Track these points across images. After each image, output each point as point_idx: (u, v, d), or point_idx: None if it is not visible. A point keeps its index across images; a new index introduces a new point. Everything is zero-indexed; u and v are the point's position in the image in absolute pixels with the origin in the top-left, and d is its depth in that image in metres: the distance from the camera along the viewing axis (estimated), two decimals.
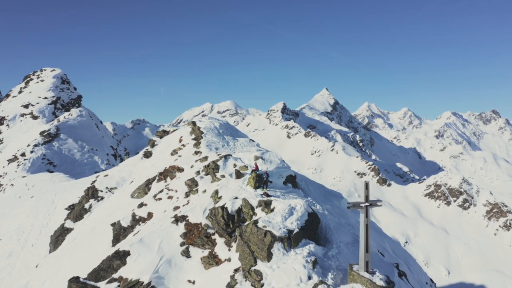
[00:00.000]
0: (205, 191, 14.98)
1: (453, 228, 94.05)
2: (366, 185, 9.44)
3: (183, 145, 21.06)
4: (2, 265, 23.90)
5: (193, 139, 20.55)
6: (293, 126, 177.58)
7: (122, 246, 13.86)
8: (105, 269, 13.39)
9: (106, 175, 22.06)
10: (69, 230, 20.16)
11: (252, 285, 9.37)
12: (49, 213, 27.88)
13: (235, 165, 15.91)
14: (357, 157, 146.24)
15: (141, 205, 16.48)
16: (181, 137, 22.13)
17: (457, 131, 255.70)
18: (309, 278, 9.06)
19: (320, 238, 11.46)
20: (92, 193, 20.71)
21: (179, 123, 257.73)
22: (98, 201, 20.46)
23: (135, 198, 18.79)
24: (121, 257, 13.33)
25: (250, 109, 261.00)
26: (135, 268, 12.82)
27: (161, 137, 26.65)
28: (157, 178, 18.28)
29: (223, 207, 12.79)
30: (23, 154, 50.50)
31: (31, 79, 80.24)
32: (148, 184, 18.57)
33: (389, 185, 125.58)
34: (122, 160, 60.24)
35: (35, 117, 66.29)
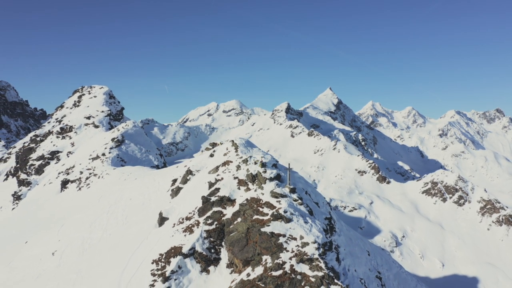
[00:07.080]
0: (243, 169, 47.15)
1: (448, 223, 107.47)
2: (289, 165, 41.31)
3: (229, 151, 53.16)
4: (142, 207, 56.20)
5: (234, 149, 52.60)
6: (297, 126, 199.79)
7: (216, 186, 45.75)
8: (212, 193, 45.01)
9: (193, 164, 54.26)
10: (181, 188, 52.46)
11: (260, 189, 41.25)
12: (155, 185, 60.23)
13: (254, 160, 47.93)
14: (358, 155, 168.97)
15: (218, 174, 48.71)
16: (227, 147, 54.24)
17: (461, 130, 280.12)
18: (274, 188, 40.93)
19: (281, 181, 43.40)
20: (190, 172, 53.02)
21: (185, 122, 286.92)
22: (193, 175, 52.72)
23: (211, 174, 50.92)
24: (217, 189, 45.00)
25: (255, 108, 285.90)
26: (222, 192, 44.52)
27: (212, 146, 58.93)
28: (221, 164, 50.47)
29: (251, 173, 44.68)
30: (103, 154, 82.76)
31: (83, 94, 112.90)
32: (217, 167, 50.76)
33: (388, 182, 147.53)
34: (164, 159, 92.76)
35: (96, 126, 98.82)
